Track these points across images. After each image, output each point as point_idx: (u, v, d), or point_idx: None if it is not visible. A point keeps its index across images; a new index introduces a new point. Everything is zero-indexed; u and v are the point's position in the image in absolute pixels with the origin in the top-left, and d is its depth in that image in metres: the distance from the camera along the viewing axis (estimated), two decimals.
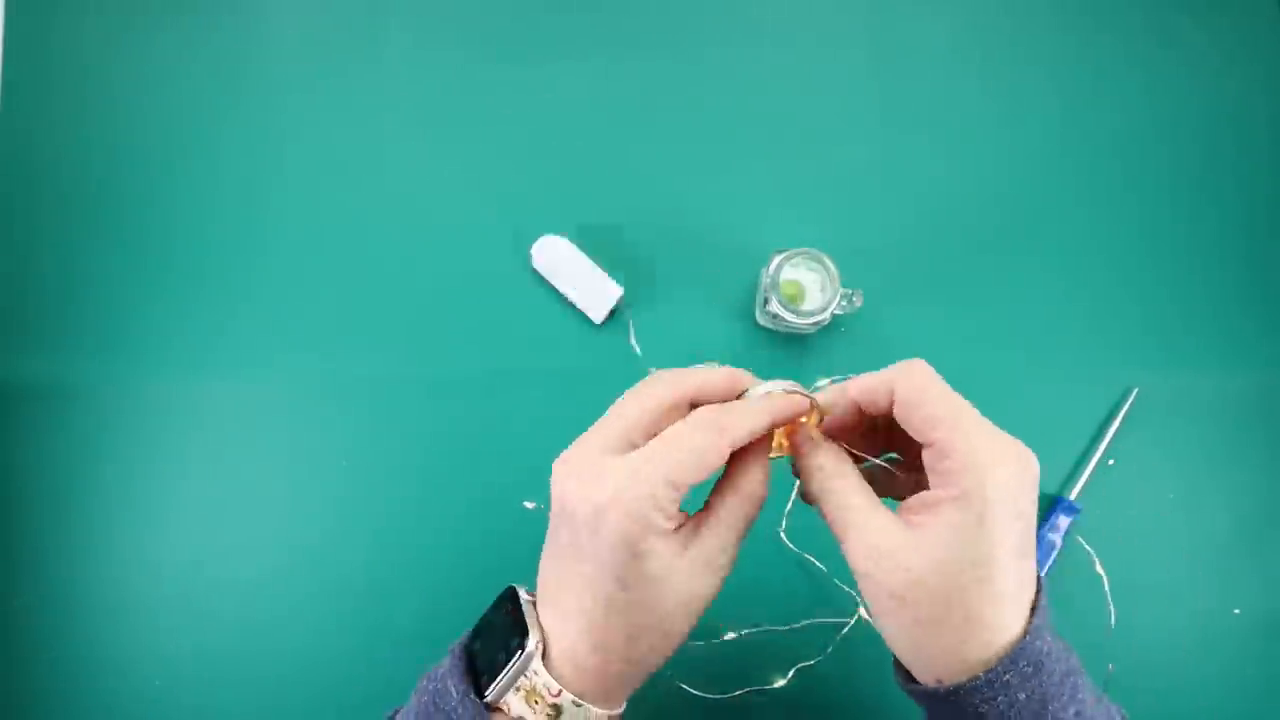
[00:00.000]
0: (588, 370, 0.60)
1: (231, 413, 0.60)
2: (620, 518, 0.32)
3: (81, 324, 0.61)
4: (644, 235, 0.62)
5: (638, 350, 0.59)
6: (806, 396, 0.37)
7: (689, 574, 0.34)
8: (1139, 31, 0.64)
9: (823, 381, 0.38)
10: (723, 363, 0.37)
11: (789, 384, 0.37)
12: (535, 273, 0.60)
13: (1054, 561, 0.56)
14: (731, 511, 0.36)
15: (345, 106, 0.64)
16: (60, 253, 0.62)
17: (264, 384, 0.60)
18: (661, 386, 0.36)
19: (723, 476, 0.37)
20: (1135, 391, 0.59)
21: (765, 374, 0.37)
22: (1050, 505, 0.58)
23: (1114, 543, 0.58)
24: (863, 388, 0.36)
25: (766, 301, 0.56)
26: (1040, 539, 0.56)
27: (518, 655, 0.34)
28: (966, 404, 0.34)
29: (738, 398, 0.37)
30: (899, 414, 0.35)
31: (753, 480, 0.36)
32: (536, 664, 0.34)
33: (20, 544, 0.59)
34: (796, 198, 0.62)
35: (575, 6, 0.65)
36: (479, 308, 0.61)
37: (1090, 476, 0.58)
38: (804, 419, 0.38)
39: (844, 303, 0.56)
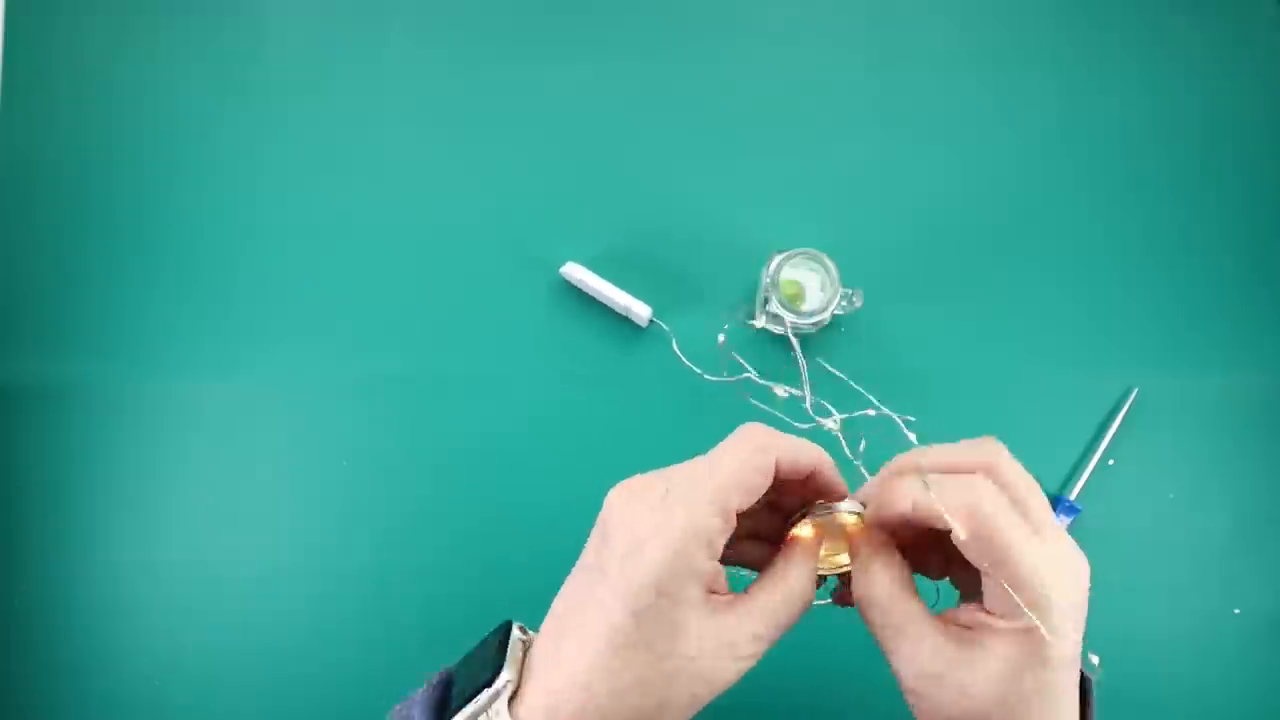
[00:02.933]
0: (589, 372, 0.60)
1: (231, 412, 0.60)
2: (657, 553, 0.30)
3: (80, 323, 0.61)
4: (644, 235, 0.62)
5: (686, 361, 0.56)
6: (857, 512, 0.35)
7: (708, 648, 0.31)
8: (1139, 31, 0.64)
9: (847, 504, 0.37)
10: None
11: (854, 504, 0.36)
12: (535, 271, 0.61)
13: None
14: (770, 599, 0.33)
15: (345, 107, 0.64)
16: (59, 252, 0.62)
17: (263, 384, 0.60)
18: (758, 469, 0.33)
19: (768, 568, 0.35)
20: (1135, 391, 0.59)
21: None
22: (1050, 505, 0.57)
23: (1114, 543, 0.58)
24: (920, 509, 0.32)
25: (766, 301, 0.56)
26: None
27: (482, 692, 0.31)
28: (1015, 518, 0.31)
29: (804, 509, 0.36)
30: (955, 540, 0.32)
31: (797, 575, 0.34)
32: (500, 705, 0.30)
33: (18, 544, 0.58)
34: (796, 198, 0.62)
35: (573, 7, 0.65)
36: (480, 306, 0.61)
37: (1090, 476, 0.58)
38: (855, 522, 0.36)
39: (844, 303, 0.56)
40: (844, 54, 0.64)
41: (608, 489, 0.33)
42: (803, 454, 0.34)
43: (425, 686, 0.33)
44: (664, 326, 0.59)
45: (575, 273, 0.59)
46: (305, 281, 0.61)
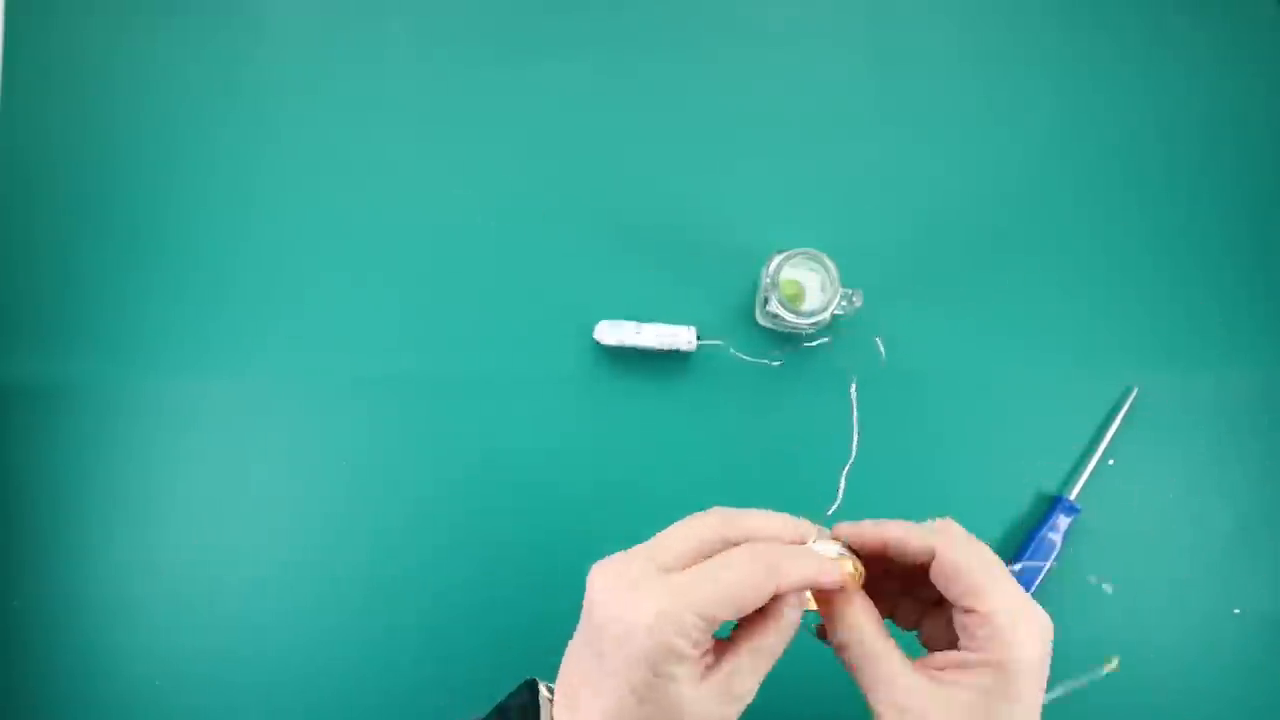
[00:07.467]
0: (583, 378, 0.60)
1: (230, 412, 0.60)
2: (647, 642, 0.32)
3: (80, 323, 0.61)
4: (644, 235, 0.62)
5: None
6: (855, 566, 0.37)
7: (707, 701, 0.33)
8: (1139, 31, 0.64)
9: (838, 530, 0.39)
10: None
11: (843, 548, 0.37)
12: (536, 269, 0.61)
13: (1054, 561, 0.56)
14: (756, 646, 0.35)
15: (345, 108, 0.64)
16: (59, 252, 0.62)
17: (262, 384, 0.60)
18: (715, 519, 0.35)
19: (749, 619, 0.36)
20: (1135, 391, 0.59)
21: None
22: (1050, 505, 0.57)
23: (1114, 543, 0.58)
24: (899, 540, 0.37)
25: (766, 301, 0.56)
26: (1040, 539, 0.56)
27: None
28: (1001, 569, 0.35)
29: None
30: (937, 577, 0.36)
31: (785, 617, 0.35)
32: None
33: (16, 544, 0.58)
34: (796, 198, 0.62)
35: (574, 6, 0.65)
36: (481, 307, 0.61)
37: (1090, 476, 0.58)
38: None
39: (844, 303, 0.56)
40: (844, 54, 0.64)
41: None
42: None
43: None
44: (716, 342, 0.59)
45: (610, 335, 0.58)
46: (304, 282, 0.61)
